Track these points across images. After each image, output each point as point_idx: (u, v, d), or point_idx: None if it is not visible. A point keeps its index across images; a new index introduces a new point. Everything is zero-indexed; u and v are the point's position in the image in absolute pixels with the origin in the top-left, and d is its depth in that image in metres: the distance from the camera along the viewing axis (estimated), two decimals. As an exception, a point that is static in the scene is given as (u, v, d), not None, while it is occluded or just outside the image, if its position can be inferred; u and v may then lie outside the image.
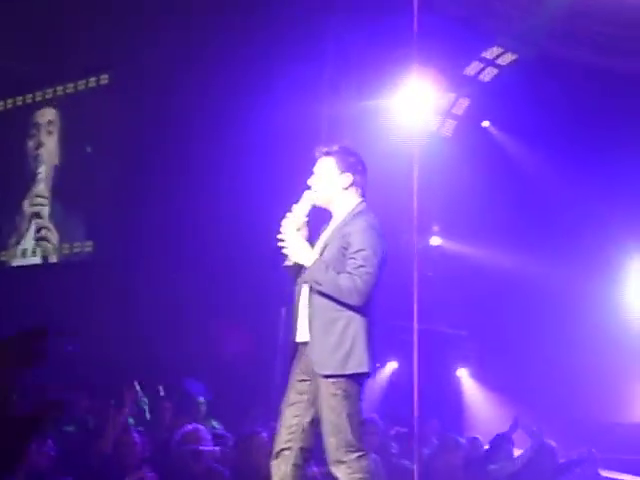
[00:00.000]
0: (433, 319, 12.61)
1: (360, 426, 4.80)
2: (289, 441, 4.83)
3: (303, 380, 4.87)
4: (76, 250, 12.48)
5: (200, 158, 11.99)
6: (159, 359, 11.33)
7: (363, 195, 5.07)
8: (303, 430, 4.84)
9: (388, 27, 10.48)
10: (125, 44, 12.30)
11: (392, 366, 13.16)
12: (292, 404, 4.88)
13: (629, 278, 13.32)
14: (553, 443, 9.28)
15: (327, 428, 4.73)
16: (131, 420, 8.66)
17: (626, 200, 12.17)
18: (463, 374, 13.81)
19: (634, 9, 10.72)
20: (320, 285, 4.72)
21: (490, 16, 11.73)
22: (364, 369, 4.77)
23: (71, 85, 13.01)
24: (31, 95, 13.49)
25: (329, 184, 4.99)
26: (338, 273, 4.71)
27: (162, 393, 10.39)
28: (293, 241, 4.83)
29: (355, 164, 5.04)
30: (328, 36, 12.08)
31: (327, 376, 4.73)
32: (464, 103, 13.16)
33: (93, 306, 11.98)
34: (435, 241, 13.48)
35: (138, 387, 9.78)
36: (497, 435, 9.36)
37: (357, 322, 4.76)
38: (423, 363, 8.34)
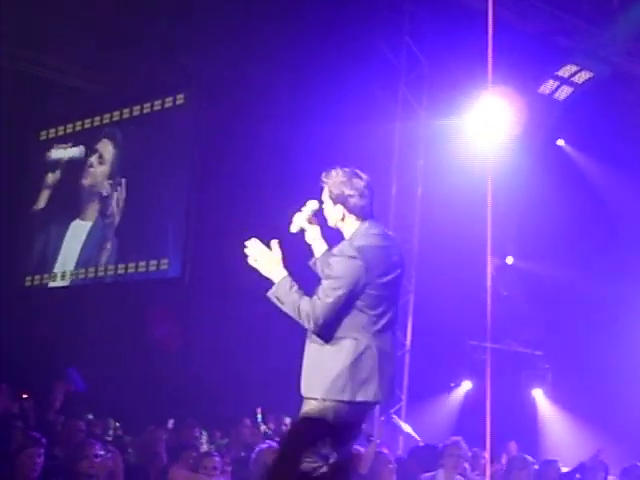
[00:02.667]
0: (508, 338, 12.56)
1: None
2: None
3: None
4: (152, 268, 12.60)
5: (275, 175, 12.08)
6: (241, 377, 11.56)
7: (365, 213, 4.82)
8: None
9: (462, 45, 10.47)
10: (201, 65, 12.46)
11: (467, 386, 13.11)
12: None
13: None
14: None
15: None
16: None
17: None
18: (538, 394, 13.68)
19: None
20: (282, 304, 4.63)
21: (565, 34, 11.68)
22: (344, 397, 4.56)
23: (147, 105, 13.16)
24: (109, 115, 13.69)
25: (328, 215, 4.90)
26: (301, 295, 4.60)
27: (259, 416, 10.50)
28: (264, 255, 4.71)
29: (345, 192, 4.80)
30: (401, 55, 12.12)
31: (307, 398, 4.63)
32: (539, 121, 13.08)
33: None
34: (510, 260, 13.43)
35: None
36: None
37: (346, 350, 4.59)
38: (498, 383, 8.25)
